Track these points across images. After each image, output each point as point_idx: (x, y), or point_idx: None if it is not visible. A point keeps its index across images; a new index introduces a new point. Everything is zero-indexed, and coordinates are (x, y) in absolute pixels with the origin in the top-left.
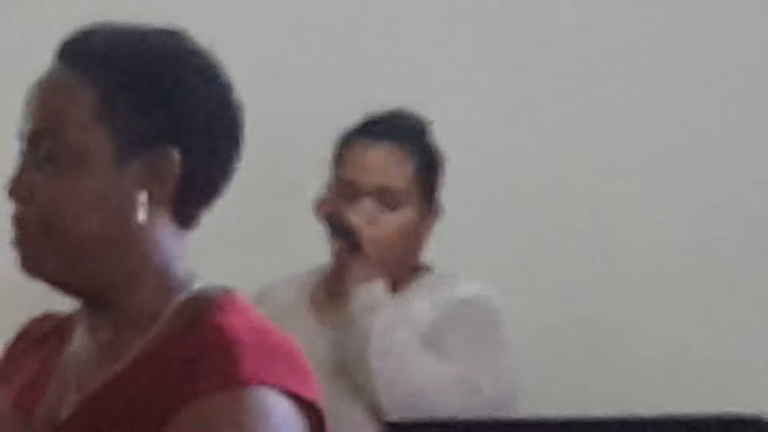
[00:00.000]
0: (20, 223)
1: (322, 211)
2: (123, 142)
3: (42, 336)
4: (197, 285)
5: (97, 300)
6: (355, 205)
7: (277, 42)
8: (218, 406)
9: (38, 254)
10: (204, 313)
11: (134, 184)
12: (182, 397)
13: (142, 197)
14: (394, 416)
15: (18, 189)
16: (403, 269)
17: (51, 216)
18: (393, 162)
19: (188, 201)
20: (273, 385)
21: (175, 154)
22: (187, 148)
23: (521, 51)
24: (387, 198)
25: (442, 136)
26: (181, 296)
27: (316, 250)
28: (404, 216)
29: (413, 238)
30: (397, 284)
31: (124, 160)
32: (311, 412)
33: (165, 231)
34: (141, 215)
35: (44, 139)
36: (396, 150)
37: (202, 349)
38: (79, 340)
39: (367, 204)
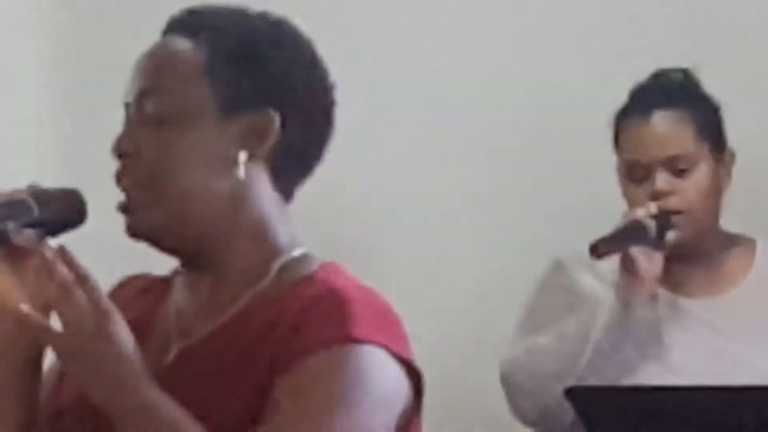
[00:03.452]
0: (125, 178)
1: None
2: (226, 100)
3: (138, 292)
4: (298, 251)
5: (197, 257)
6: (650, 183)
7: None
8: (331, 361)
9: (144, 209)
10: (312, 272)
11: (235, 142)
12: (296, 348)
13: (243, 155)
14: None
15: (123, 145)
16: (716, 229)
17: (156, 168)
18: (672, 130)
19: (286, 169)
20: (381, 345)
21: (275, 116)
22: (284, 114)
23: None
24: (678, 165)
25: None
26: (284, 258)
27: None
28: (701, 175)
29: (716, 192)
30: (713, 245)
31: (227, 118)
32: (411, 373)
33: (264, 193)
34: (241, 172)
35: (151, 97)
36: (671, 116)
37: (315, 305)
38: (179, 297)
39: (663, 177)
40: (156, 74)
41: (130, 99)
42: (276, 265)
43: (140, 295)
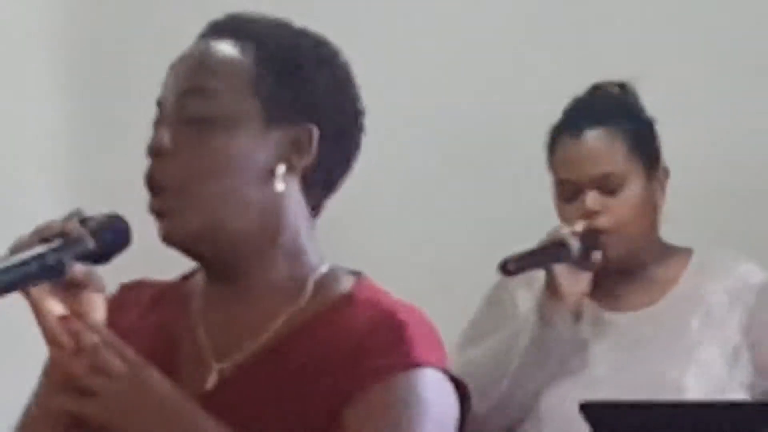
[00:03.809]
0: (161, 179)
1: (508, 272)
2: (270, 110)
3: (149, 302)
4: (326, 266)
5: (229, 269)
6: (580, 202)
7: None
8: (396, 388)
9: (180, 213)
10: (351, 290)
11: (275, 153)
12: (359, 376)
13: (281, 168)
14: None
15: (162, 143)
16: (652, 243)
17: (195, 169)
18: (602, 148)
19: (315, 185)
20: (437, 367)
21: (315, 131)
22: (322, 130)
23: None
24: (609, 183)
25: None
26: (318, 273)
27: None
28: (633, 192)
29: (649, 209)
30: (648, 259)
31: (270, 128)
32: (457, 386)
33: (298, 207)
34: (279, 185)
35: (195, 98)
36: (602, 134)
37: (374, 331)
38: (205, 309)
39: (592, 196)
40: (202, 75)
41: (169, 97)
42: (311, 282)
43: (154, 304)
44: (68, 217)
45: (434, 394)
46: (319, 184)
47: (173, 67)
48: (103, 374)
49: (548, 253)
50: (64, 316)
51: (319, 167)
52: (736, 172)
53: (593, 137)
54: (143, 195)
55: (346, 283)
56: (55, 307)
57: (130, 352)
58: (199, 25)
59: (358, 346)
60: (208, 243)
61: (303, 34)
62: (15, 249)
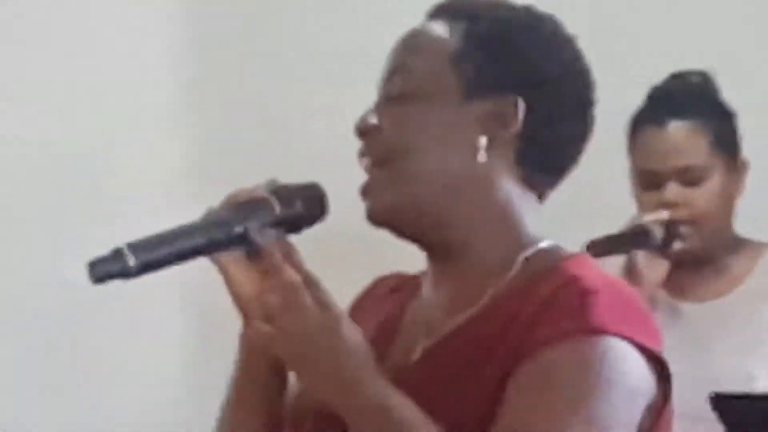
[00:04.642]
0: (366, 156)
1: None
2: (471, 82)
3: (388, 291)
4: (546, 243)
5: (440, 247)
6: (660, 192)
7: None
8: (568, 354)
9: (381, 189)
10: (557, 264)
11: (476, 126)
12: (533, 341)
13: (483, 140)
14: None
15: (365, 122)
16: (726, 236)
17: (395, 143)
18: (686, 141)
19: (532, 162)
20: (623, 337)
21: (520, 102)
22: (532, 104)
23: None
24: (690, 176)
25: None
26: (530, 250)
27: None
28: (713, 185)
29: (727, 202)
30: (721, 252)
31: (470, 101)
32: (658, 365)
33: (505, 182)
34: (481, 156)
35: (398, 75)
36: (686, 127)
37: (556, 295)
38: (427, 292)
39: (673, 188)
40: (405, 54)
41: (383, 80)
42: (521, 258)
43: (390, 293)
44: (263, 186)
45: (613, 363)
46: (538, 162)
47: (391, 51)
48: (294, 312)
49: (632, 239)
50: (285, 250)
51: (534, 143)
52: None
53: (677, 129)
54: (259, 160)
55: (557, 259)
56: (244, 275)
57: (330, 298)
58: None
59: (539, 312)
60: (410, 219)
61: (521, 9)
62: (207, 216)
